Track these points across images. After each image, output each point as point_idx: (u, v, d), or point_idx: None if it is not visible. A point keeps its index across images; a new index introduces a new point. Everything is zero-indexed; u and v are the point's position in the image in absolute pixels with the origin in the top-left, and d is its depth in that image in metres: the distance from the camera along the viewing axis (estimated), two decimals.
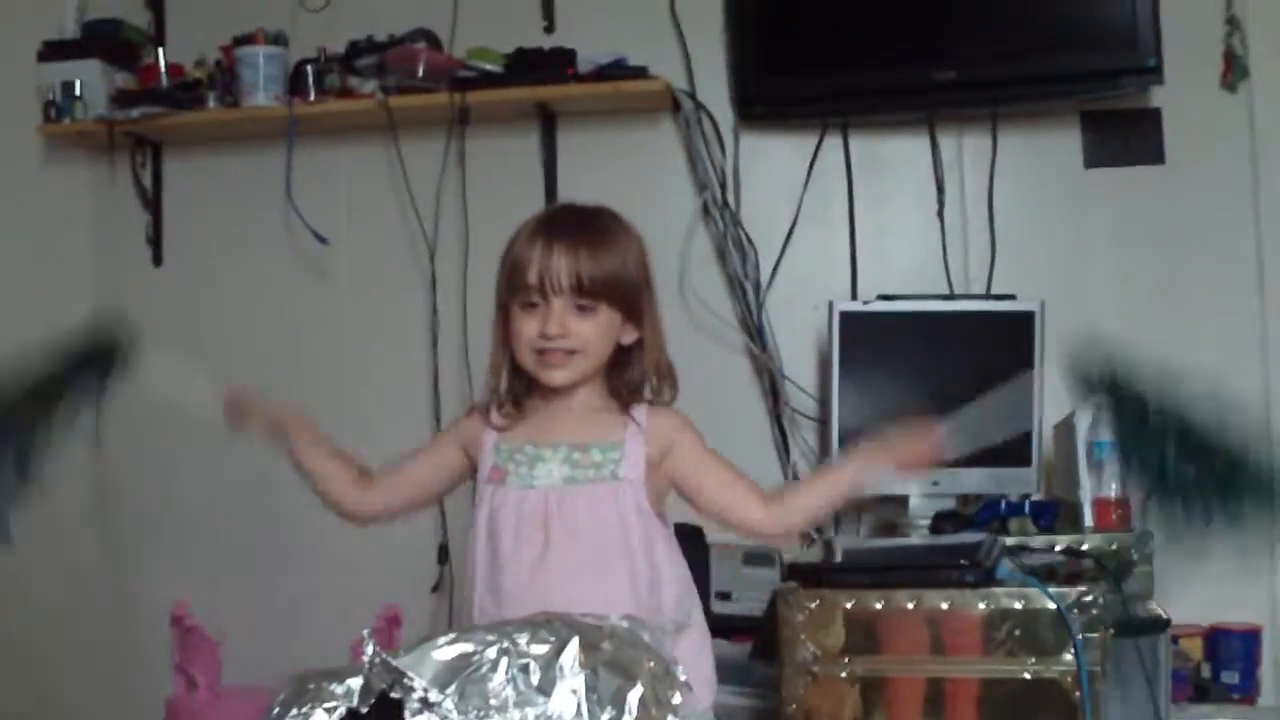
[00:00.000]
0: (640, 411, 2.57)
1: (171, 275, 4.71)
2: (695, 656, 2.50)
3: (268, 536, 4.60)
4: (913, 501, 3.85)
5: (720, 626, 3.69)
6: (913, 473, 2.51)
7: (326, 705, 1.55)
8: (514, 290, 2.53)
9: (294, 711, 1.56)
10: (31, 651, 4.74)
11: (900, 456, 2.52)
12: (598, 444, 2.54)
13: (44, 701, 4.72)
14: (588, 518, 2.48)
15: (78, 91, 4.51)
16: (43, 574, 4.72)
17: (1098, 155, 4.24)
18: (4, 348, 4.69)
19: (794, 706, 2.96)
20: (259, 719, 1.61)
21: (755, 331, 4.24)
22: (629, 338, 2.58)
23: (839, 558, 3.34)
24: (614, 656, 1.63)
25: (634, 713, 1.57)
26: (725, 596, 3.85)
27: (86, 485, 4.73)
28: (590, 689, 1.56)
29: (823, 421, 4.13)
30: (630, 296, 2.54)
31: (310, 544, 4.50)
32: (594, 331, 2.51)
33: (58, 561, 4.73)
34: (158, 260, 4.72)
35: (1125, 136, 4.21)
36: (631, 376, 2.59)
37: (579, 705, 1.55)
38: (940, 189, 4.28)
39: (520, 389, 2.61)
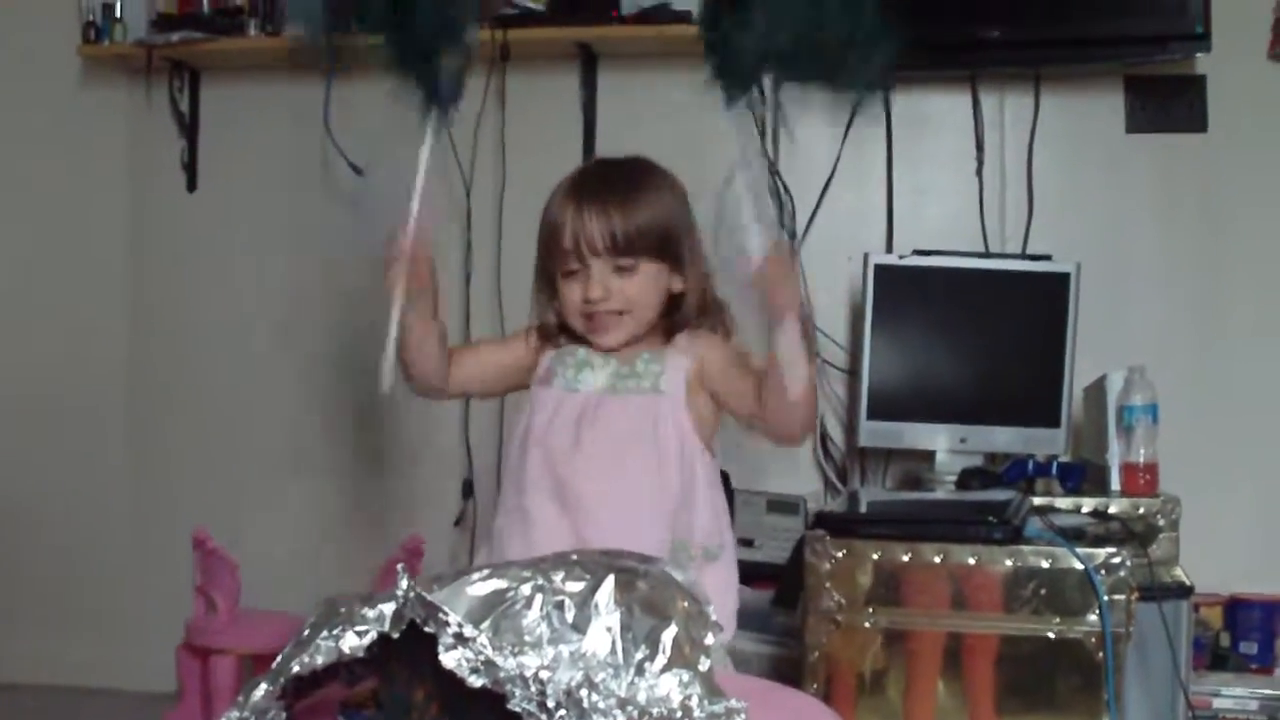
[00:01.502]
0: (684, 335, 2.58)
1: (205, 201, 4.71)
2: (720, 592, 2.49)
3: (291, 468, 4.61)
4: (939, 457, 3.84)
5: (743, 573, 3.68)
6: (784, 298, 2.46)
7: (358, 628, 1.55)
8: (553, 256, 2.54)
9: (325, 633, 1.55)
10: (52, 575, 4.76)
11: (774, 298, 2.45)
12: (643, 355, 2.54)
13: (65, 625, 4.75)
14: (620, 424, 2.49)
15: (118, 13, 4.51)
16: (68, 498, 4.75)
17: (1140, 120, 4.21)
18: (35, 267, 4.74)
19: (816, 654, 2.96)
20: (289, 640, 1.60)
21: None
22: (679, 285, 2.57)
23: (864, 509, 3.33)
24: (649, 596, 1.63)
25: (668, 652, 1.56)
26: (748, 543, 3.86)
27: (118, 410, 4.75)
28: (625, 627, 1.56)
29: (852, 373, 4.13)
30: (671, 246, 2.53)
31: (334, 475, 4.52)
32: (637, 289, 2.50)
33: (81, 486, 4.75)
34: (192, 186, 4.71)
35: (1168, 103, 4.19)
36: (680, 320, 2.59)
37: (613, 643, 1.55)
38: (980, 147, 4.26)
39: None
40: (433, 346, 2.57)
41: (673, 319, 2.58)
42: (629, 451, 2.48)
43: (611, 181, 2.56)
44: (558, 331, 2.63)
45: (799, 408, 2.44)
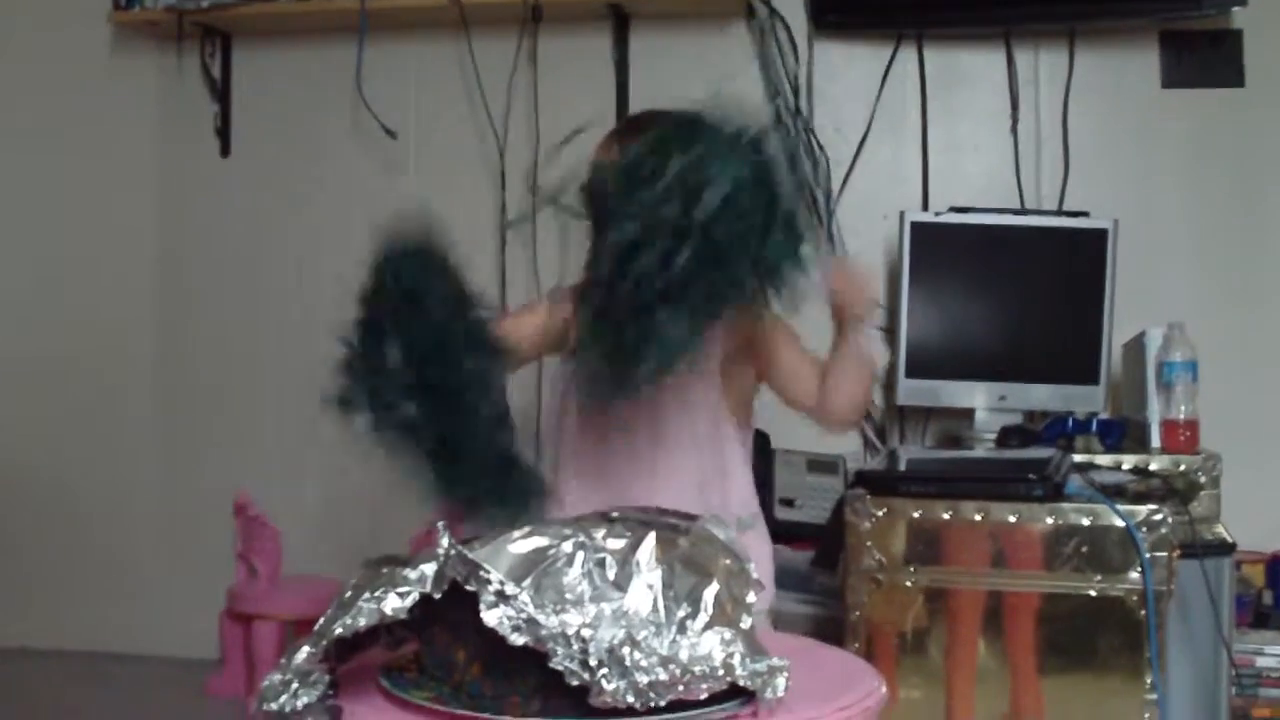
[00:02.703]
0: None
1: (239, 166, 4.72)
2: (758, 559, 2.49)
3: (324, 433, 4.60)
4: (978, 415, 3.84)
5: (783, 533, 3.71)
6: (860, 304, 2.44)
7: (400, 590, 1.54)
8: (599, 200, 2.48)
9: (366, 595, 1.55)
10: (91, 543, 4.78)
11: (849, 305, 2.44)
12: None
13: (107, 592, 4.77)
14: (654, 405, 2.48)
15: None
16: (105, 466, 4.76)
17: (1176, 76, 4.18)
18: (68, 235, 4.75)
19: (857, 613, 2.95)
20: (331, 603, 1.60)
21: (825, 239, 4.21)
22: None
23: (903, 467, 3.32)
24: (690, 553, 1.62)
25: (709, 610, 1.56)
26: (789, 503, 3.85)
27: (147, 377, 4.76)
28: (666, 585, 1.55)
29: (890, 331, 4.11)
30: None
31: (368, 440, 4.52)
32: None
33: (120, 454, 4.77)
34: (225, 151, 4.71)
35: (1205, 58, 4.16)
36: None
37: (655, 601, 1.54)
38: (1015, 104, 4.24)
39: None
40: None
41: None
42: (664, 430, 2.49)
43: (661, 123, 2.54)
44: None
45: (860, 403, 2.47)
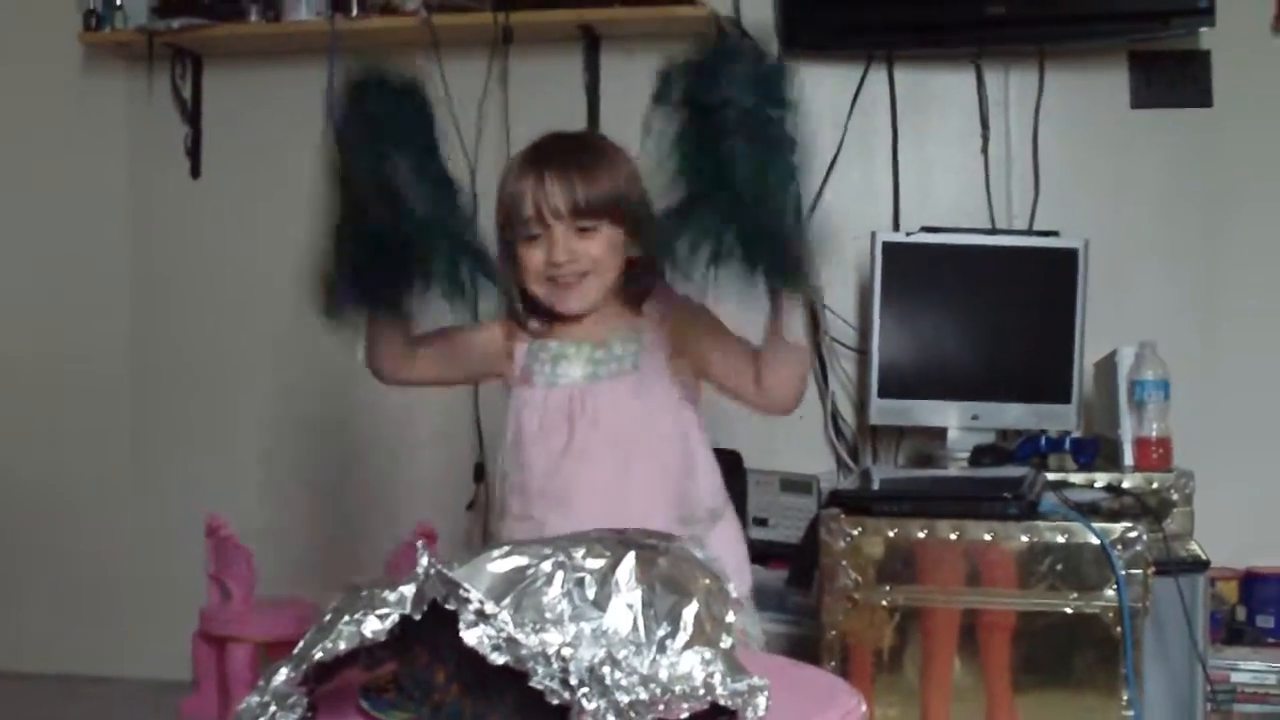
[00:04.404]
0: (653, 305, 2.58)
1: (209, 188, 4.71)
2: (733, 545, 2.57)
3: (298, 454, 4.61)
4: (951, 434, 3.84)
5: (757, 553, 3.69)
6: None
7: (379, 612, 1.53)
8: (514, 225, 2.55)
9: (347, 618, 1.54)
10: (62, 564, 4.76)
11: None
12: (617, 337, 2.56)
13: (77, 614, 4.75)
14: (611, 411, 2.50)
15: (118, 1, 4.49)
16: (78, 487, 4.75)
17: (1145, 96, 4.22)
18: (39, 255, 4.74)
19: (833, 633, 2.96)
20: (307, 626, 1.59)
21: None
22: (636, 252, 2.56)
23: (877, 487, 3.33)
24: (669, 573, 1.61)
25: (689, 629, 1.55)
26: (762, 523, 3.86)
27: (119, 397, 4.75)
28: (646, 604, 1.55)
29: (862, 351, 4.12)
30: (628, 213, 2.53)
31: (346, 461, 4.52)
32: (600, 250, 2.52)
33: (92, 475, 4.75)
34: (196, 172, 4.71)
35: (1173, 78, 4.19)
36: (643, 288, 2.59)
37: (635, 620, 1.53)
38: (985, 125, 4.26)
39: (544, 313, 2.61)
40: (400, 331, 2.56)
41: (634, 288, 2.59)
42: (624, 439, 2.49)
43: (570, 149, 2.59)
44: (523, 310, 2.62)
45: (800, 386, 2.47)
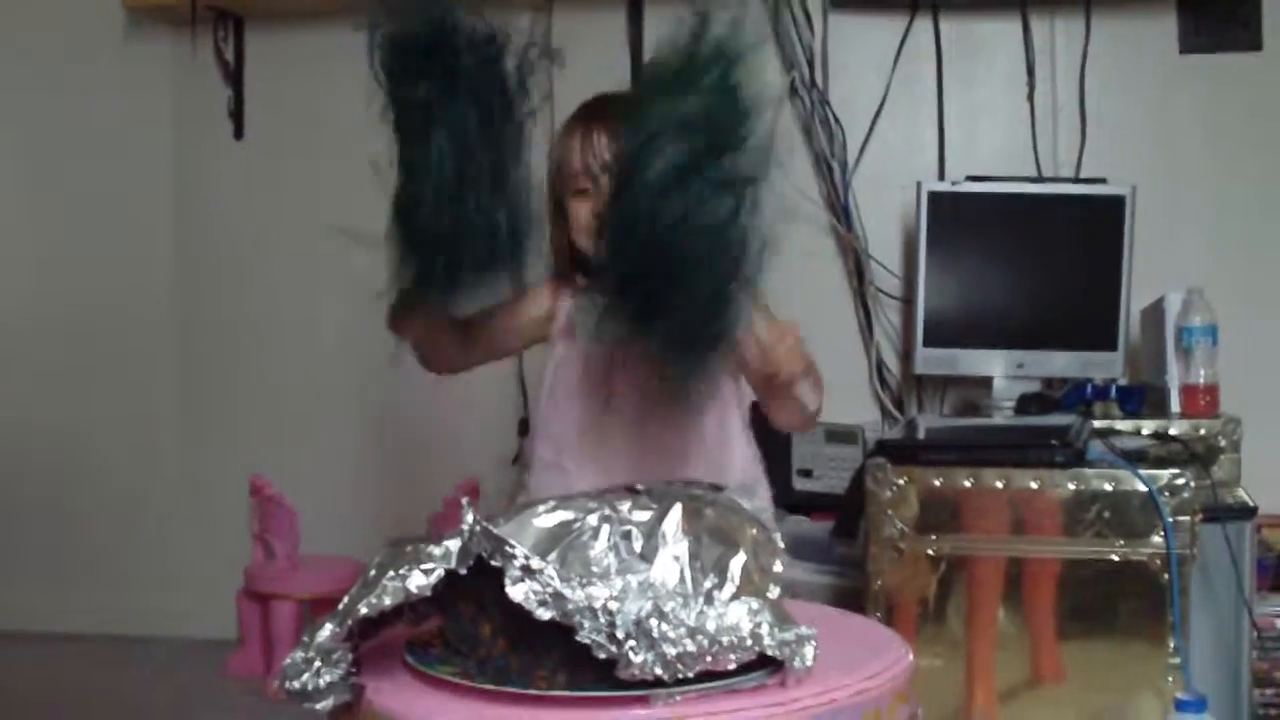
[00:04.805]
0: None
1: (253, 149, 4.72)
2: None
3: (342, 411, 4.62)
4: (996, 383, 3.83)
5: (801, 504, 3.71)
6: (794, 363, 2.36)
7: (424, 567, 1.54)
8: (564, 181, 2.56)
9: (391, 573, 1.55)
10: (113, 525, 4.80)
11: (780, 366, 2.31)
12: None
13: (122, 574, 4.79)
14: (650, 369, 2.49)
15: None
16: (122, 447, 4.78)
17: (1193, 41, 4.17)
18: (83, 219, 4.76)
19: (879, 583, 2.96)
20: (352, 583, 1.60)
21: (841, 211, 4.21)
22: None
23: (922, 436, 3.32)
24: (716, 524, 1.62)
25: (737, 580, 1.55)
26: (807, 474, 3.85)
27: (165, 360, 4.77)
28: (693, 556, 1.55)
29: (907, 301, 4.11)
30: None
31: (390, 418, 4.53)
32: None
33: (137, 435, 4.78)
34: (239, 134, 4.72)
35: (1222, 22, 4.14)
36: None
37: (682, 572, 1.54)
38: (1031, 72, 4.22)
39: (587, 275, 2.61)
40: (445, 340, 2.58)
41: None
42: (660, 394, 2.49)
43: (618, 105, 2.57)
44: (570, 266, 2.62)
45: (802, 417, 2.47)
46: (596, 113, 2.58)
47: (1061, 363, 3.83)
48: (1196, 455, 3.22)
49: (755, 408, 2.63)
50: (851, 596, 3.16)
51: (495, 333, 2.65)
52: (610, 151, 2.48)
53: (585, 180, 2.52)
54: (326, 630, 1.57)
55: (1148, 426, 3.47)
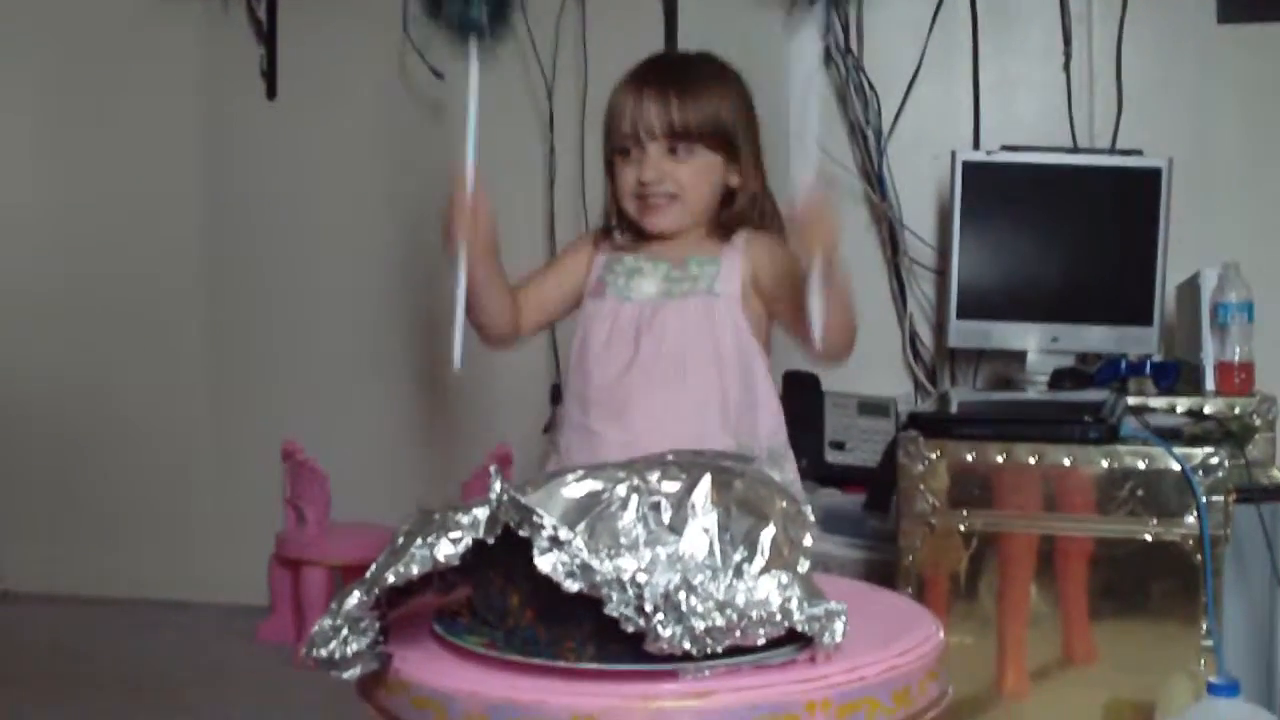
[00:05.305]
0: (741, 236, 2.58)
1: (285, 108, 4.72)
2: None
3: (373, 376, 4.62)
4: (1030, 357, 3.79)
5: (834, 476, 3.70)
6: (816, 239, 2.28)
7: (452, 535, 1.52)
8: (613, 140, 2.60)
9: (419, 541, 1.53)
10: (144, 491, 4.81)
11: (813, 243, 2.27)
12: (695, 258, 2.56)
13: (154, 539, 4.80)
14: (678, 330, 2.51)
15: None
16: (155, 414, 4.79)
17: (1232, 9, 4.12)
18: (114, 177, 4.76)
19: (911, 558, 2.94)
20: (383, 549, 1.59)
21: (875, 179, 4.19)
22: (735, 181, 2.59)
23: (955, 410, 3.30)
24: (746, 496, 1.60)
25: (766, 553, 1.54)
26: (839, 446, 3.84)
27: (195, 321, 4.77)
28: (723, 528, 1.54)
29: (941, 272, 4.09)
30: (728, 140, 2.56)
31: (418, 382, 4.53)
32: (691, 176, 2.54)
33: (169, 400, 4.79)
34: (271, 94, 4.71)
35: None
36: (735, 217, 2.60)
37: (711, 544, 1.52)
38: (1067, 41, 4.18)
39: (635, 232, 2.63)
40: (502, 301, 2.58)
41: (728, 216, 2.60)
42: (688, 358, 2.49)
43: (675, 69, 2.64)
44: (616, 224, 2.65)
45: (851, 335, 2.44)
46: (649, 77, 2.60)
47: (1096, 337, 3.80)
48: (1231, 434, 3.19)
49: (786, 379, 2.63)
50: (883, 571, 3.15)
51: (546, 290, 2.69)
52: (659, 119, 2.50)
53: (633, 143, 2.55)
54: (354, 598, 1.55)
55: (1182, 404, 3.44)
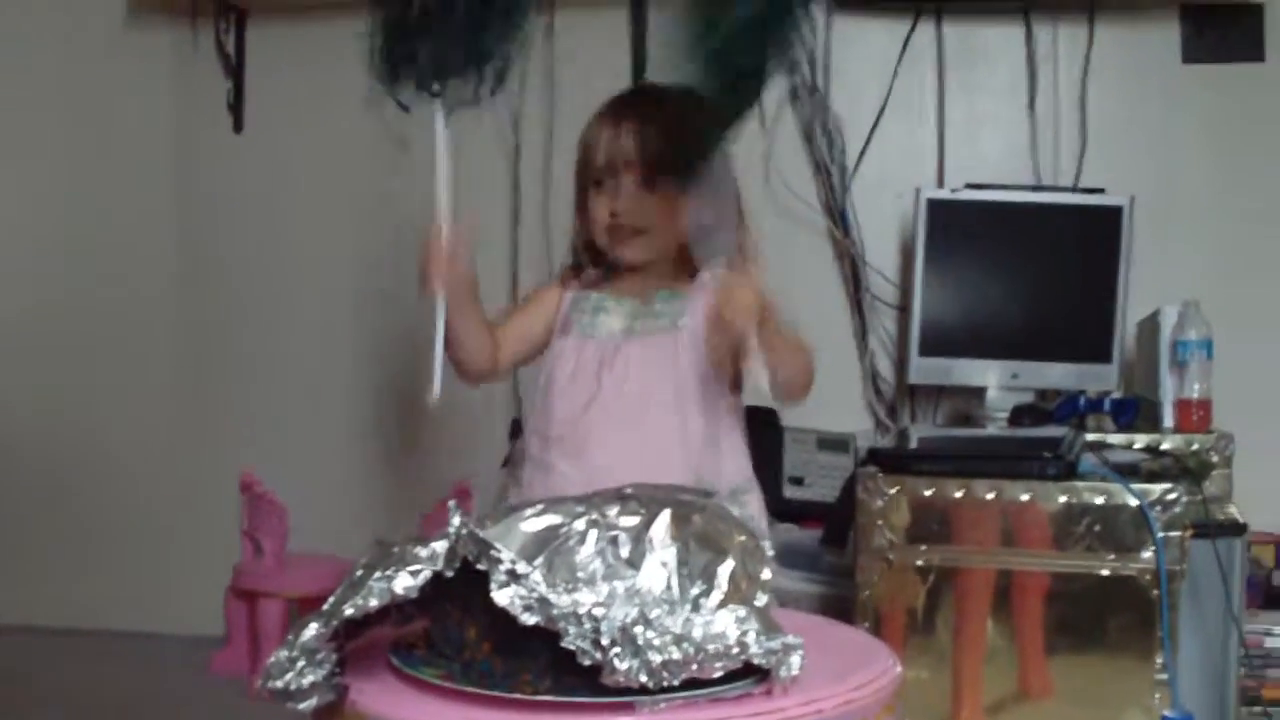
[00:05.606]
0: (707, 274, 2.52)
1: (252, 142, 4.71)
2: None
3: (336, 410, 4.62)
4: (990, 394, 3.82)
5: (792, 511, 3.71)
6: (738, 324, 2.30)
7: (411, 568, 1.53)
8: (588, 171, 2.59)
9: (377, 574, 1.54)
10: (97, 520, 4.79)
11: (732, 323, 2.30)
12: (660, 295, 2.56)
13: (110, 570, 4.78)
14: (640, 368, 2.51)
15: None
16: (114, 444, 4.77)
17: (1196, 50, 4.17)
18: (82, 210, 4.75)
19: (868, 592, 2.95)
20: (341, 581, 1.59)
21: (838, 215, 4.21)
22: (706, 220, 2.57)
23: (914, 446, 3.32)
24: (704, 530, 1.61)
25: (724, 587, 1.55)
26: (798, 481, 3.85)
27: (160, 353, 4.76)
28: (681, 562, 1.55)
29: (903, 309, 4.11)
30: (702, 176, 2.53)
31: (382, 419, 4.53)
32: (663, 209, 2.52)
33: (134, 429, 4.78)
34: (238, 127, 4.71)
35: (1225, 32, 4.14)
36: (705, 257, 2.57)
37: (669, 578, 1.53)
38: (1033, 80, 4.22)
39: (602, 265, 2.64)
40: (480, 339, 2.58)
41: (698, 255, 2.57)
42: (649, 396, 2.49)
43: (651, 103, 2.59)
44: (584, 257, 2.66)
45: (790, 390, 2.44)
46: (626, 109, 2.61)
47: (1056, 374, 3.83)
48: (1188, 470, 3.21)
49: (746, 414, 2.64)
50: (839, 606, 3.16)
51: (521, 325, 2.69)
52: (634, 151, 2.50)
53: (608, 175, 2.55)
54: (311, 630, 1.56)
55: (1140, 440, 3.47)
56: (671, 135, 2.51)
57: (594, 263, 2.66)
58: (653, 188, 2.53)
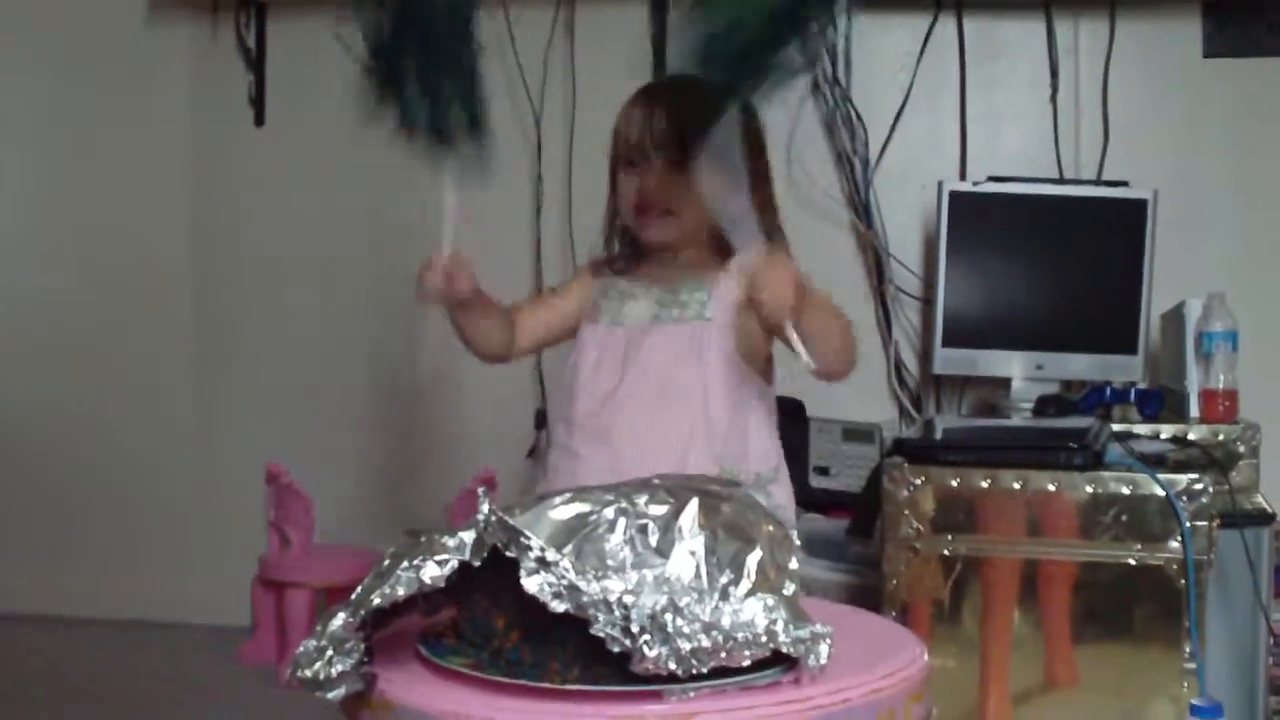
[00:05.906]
0: (736, 260, 2.48)
1: (273, 136, 4.72)
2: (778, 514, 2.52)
3: (359, 401, 4.62)
4: (1015, 384, 3.82)
5: (818, 501, 3.70)
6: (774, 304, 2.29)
7: (438, 558, 1.53)
8: (618, 150, 2.61)
9: (405, 564, 1.54)
10: (124, 511, 4.80)
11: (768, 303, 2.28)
12: (686, 284, 2.55)
13: (137, 560, 4.79)
14: (664, 356, 2.50)
15: None
16: (140, 435, 4.78)
17: (1218, 44, 4.16)
18: (102, 204, 4.76)
19: (895, 582, 2.95)
20: (366, 572, 1.59)
21: (861, 208, 4.21)
22: (736, 206, 2.56)
23: (940, 436, 3.31)
24: (733, 519, 1.61)
25: (753, 577, 1.55)
26: (824, 471, 3.85)
27: (182, 346, 4.77)
28: (709, 551, 1.54)
29: (927, 300, 4.10)
30: (734, 163, 2.52)
31: (407, 409, 4.53)
32: (691, 192, 2.51)
33: (155, 422, 4.79)
34: (259, 121, 4.72)
35: (1247, 26, 4.13)
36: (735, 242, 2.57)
37: (697, 567, 1.53)
38: (1054, 74, 4.22)
39: (631, 248, 2.65)
40: (489, 335, 2.59)
41: (726, 241, 2.56)
42: (672, 385, 2.49)
43: (686, 88, 2.57)
44: (612, 237, 2.68)
45: (835, 364, 2.42)
46: (660, 92, 2.62)
47: (1081, 365, 3.83)
48: (1215, 460, 3.21)
49: (782, 404, 2.63)
50: (866, 595, 3.15)
51: (544, 312, 2.70)
52: (666, 132, 2.50)
53: (637, 154, 2.56)
54: (339, 619, 1.56)
55: (1166, 431, 3.47)
56: (699, 118, 2.51)
57: (622, 242, 2.67)
58: (681, 169, 2.52)
